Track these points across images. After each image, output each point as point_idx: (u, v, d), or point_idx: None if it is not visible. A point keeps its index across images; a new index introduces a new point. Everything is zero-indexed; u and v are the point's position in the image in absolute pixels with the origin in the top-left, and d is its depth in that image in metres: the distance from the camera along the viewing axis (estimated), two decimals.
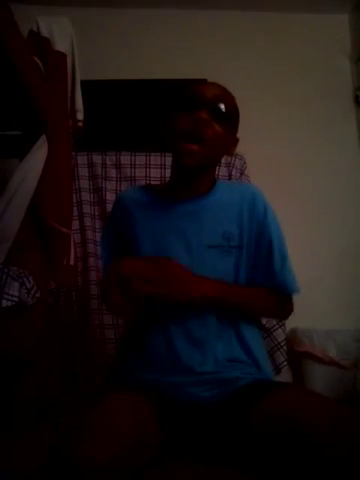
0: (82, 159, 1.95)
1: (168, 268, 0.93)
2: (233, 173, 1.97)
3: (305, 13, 2.32)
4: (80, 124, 1.67)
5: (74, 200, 1.84)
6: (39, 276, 1.35)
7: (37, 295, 1.24)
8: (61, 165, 1.55)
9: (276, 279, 1.02)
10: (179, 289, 0.92)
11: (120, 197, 1.17)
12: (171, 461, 0.85)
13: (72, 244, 1.62)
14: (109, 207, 1.90)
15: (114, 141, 2.08)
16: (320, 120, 2.26)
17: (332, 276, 2.12)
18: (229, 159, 1.93)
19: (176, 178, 1.08)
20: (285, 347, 1.87)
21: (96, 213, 1.95)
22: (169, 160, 1.98)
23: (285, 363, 1.85)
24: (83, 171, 1.95)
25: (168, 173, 1.93)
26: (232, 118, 1.03)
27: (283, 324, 1.85)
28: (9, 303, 1.16)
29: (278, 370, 1.84)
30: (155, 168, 1.96)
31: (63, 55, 1.57)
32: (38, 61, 1.50)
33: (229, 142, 1.06)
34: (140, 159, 1.97)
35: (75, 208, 1.86)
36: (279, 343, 1.85)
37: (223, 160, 1.91)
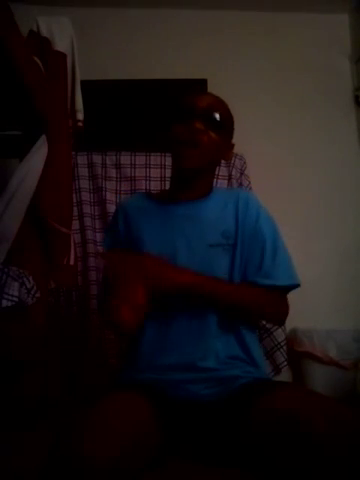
0: (82, 159, 1.95)
1: (144, 261, 0.96)
2: (233, 173, 1.97)
3: (305, 13, 2.32)
4: (80, 124, 1.67)
5: (74, 200, 1.84)
6: (39, 276, 1.35)
7: (37, 295, 1.24)
8: (61, 165, 1.55)
9: (263, 271, 1.03)
10: (159, 279, 0.94)
11: (121, 205, 1.21)
12: (171, 461, 0.85)
13: (72, 244, 1.61)
14: (109, 207, 1.90)
15: (114, 141, 2.08)
16: (320, 120, 2.26)
17: (332, 276, 2.12)
18: None
19: (176, 182, 1.14)
20: (285, 347, 1.87)
21: (96, 213, 1.95)
22: (169, 160, 1.98)
23: (285, 363, 1.85)
24: (83, 171, 1.95)
25: (168, 173, 1.95)
26: (226, 125, 1.08)
27: (283, 324, 1.85)
28: (9, 303, 1.15)
29: (278, 370, 1.84)
30: (155, 168, 1.96)
31: (63, 55, 1.57)
32: (38, 61, 1.50)
33: (224, 147, 1.11)
34: (140, 159, 1.97)
35: (75, 208, 1.86)
36: (279, 343, 1.85)
37: (223, 160, 1.92)
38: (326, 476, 0.68)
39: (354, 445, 0.69)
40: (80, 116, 1.66)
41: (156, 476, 0.80)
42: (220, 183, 1.88)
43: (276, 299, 1.06)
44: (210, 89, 2.12)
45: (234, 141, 1.14)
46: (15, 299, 1.17)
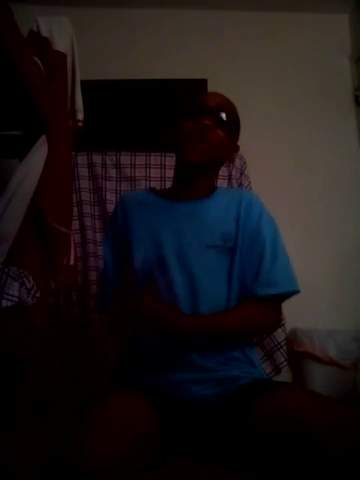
0: (82, 159, 1.95)
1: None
2: (233, 173, 1.97)
3: (305, 13, 2.32)
4: (80, 124, 1.67)
5: (74, 200, 1.84)
6: (39, 276, 1.35)
7: (37, 295, 1.24)
8: (61, 165, 1.55)
9: (262, 278, 1.01)
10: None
11: (122, 197, 1.22)
12: (171, 461, 0.85)
13: (72, 244, 1.61)
14: (109, 207, 1.90)
15: (114, 141, 2.08)
16: (320, 120, 2.26)
17: (332, 276, 2.12)
18: None
19: (179, 180, 1.13)
20: (285, 347, 1.87)
21: (96, 213, 1.95)
22: (169, 160, 1.99)
23: (285, 363, 1.85)
24: (83, 171, 1.95)
25: (168, 173, 1.96)
26: (233, 126, 1.10)
27: (283, 324, 1.85)
28: (9, 303, 1.15)
29: (278, 370, 1.84)
30: (155, 168, 1.96)
31: (63, 55, 1.57)
32: (38, 61, 1.50)
33: (229, 148, 1.10)
34: (140, 159, 1.97)
35: (75, 208, 1.86)
36: (279, 343, 1.85)
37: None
38: (326, 476, 0.68)
39: (354, 445, 0.69)
40: (80, 116, 1.66)
41: (156, 476, 0.80)
42: (220, 183, 1.88)
43: (270, 312, 1.04)
44: (210, 89, 2.13)
45: None
46: (15, 299, 1.17)
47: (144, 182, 1.95)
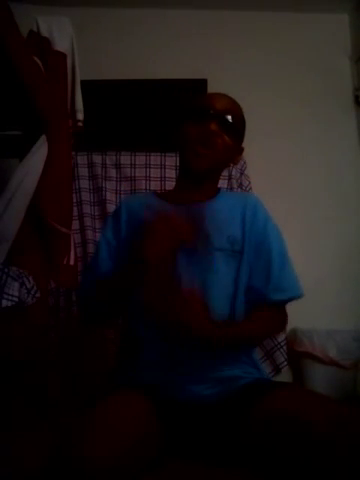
0: (82, 159, 1.95)
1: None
2: (233, 173, 1.97)
3: (305, 13, 2.32)
4: (80, 124, 1.67)
5: (74, 200, 1.84)
6: (39, 276, 1.35)
7: (37, 295, 1.24)
8: (61, 165, 1.55)
9: (273, 283, 1.02)
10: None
11: (126, 201, 1.18)
12: (171, 461, 0.85)
13: (72, 244, 1.62)
14: (109, 207, 1.90)
15: (114, 141, 2.08)
16: (320, 120, 2.25)
17: (332, 276, 2.12)
18: None
19: (182, 183, 1.12)
20: (285, 347, 1.87)
21: (96, 213, 1.95)
22: (169, 160, 1.99)
23: (285, 363, 1.85)
24: (83, 171, 1.95)
25: (168, 173, 1.96)
26: (239, 129, 1.08)
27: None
28: (9, 303, 1.16)
29: (278, 370, 1.84)
30: (155, 168, 1.96)
31: (63, 55, 1.57)
32: (38, 61, 1.50)
33: (235, 151, 1.10)
34: (140, 159, 1.97)
35: (75, 208, 1.86)
36: (279, 343, 1.85)
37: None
38: (326, 476, 0.68)
39: (354, 445, 0.69)
40: (80, 116, 1.66)
41: (156, 476, 0.80)
42: (220, 183, 1.87)
43: (281, 316, 1.06)
44: (210, 89, 2.13)
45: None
46: (15, 299, 1.17)
47: (144, 182, 1.95)
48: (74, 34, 1.63)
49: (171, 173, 1.95)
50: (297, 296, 1.05)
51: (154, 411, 0.87)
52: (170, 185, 1.84)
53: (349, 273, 2.13)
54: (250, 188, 2.00)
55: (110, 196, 1.94)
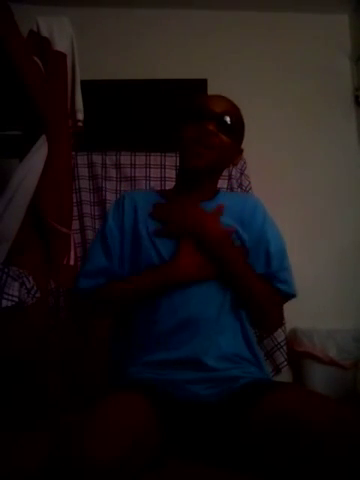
0: (82, 159, 1.95)
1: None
2: (233, 173, 1.97)
3: (305, 13, 2.32)
4: (80, 124, 1.67)
5: (74, 200, 1.84)
6: (39, 276, 1.35)
7: (37, 295, 1.24)
8: (61, 165, 1.55)
9: (273, 281, 1.04)
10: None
11: (130, 194, 1.17)
12: (171, 461, 0.85)
13: (72, 244, 1.62)
14: (109, 207, 1.90)
15: (114, 141, 2.08)
16: (320, 120, 2.26)
17: (332, 276, 2.12)
18: None
19: (181, 183, 1.12)
20: (285, 347, 1.87)
21: (96, 213, 1.95)
22: (169, 160, 1.99)
23: (285, 363, 1.85)
24: (83, 171, 1.95)
25: (168, 173, 1.96)
26: (237, 130, 1.08)
27: (283, 324, 1.85)
28: (9, 303, 1.16)
29: (278, 370, 1.84)
30: (155, 168, 1.96)
31: (63, 55, 1.57)
32: (38, 61, 1.50)
33: (234, 152, 1.10)
34: (140, 159, 1.97)
35: (75, 208, 1.86)
36: (279, 343, 1.85)
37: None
38: (326, 476, 0.68)
39: (354, 445, 0.69)
40: (80, 116, 1.66)
41: (156, 476, 0.80)
42: (220, 183, 1.87)
43: (280, 302, 1.07)
44: (210, 89, 2.13)
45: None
46: (15, 299, 1.17)
47: (144, 182, 1.95)
48: (74, 34, 1.63)
49: (171, 173, 1.95)
50: (292, 294, 1.06)
51: (154, 411, 0.86)
52: (170, 185, 1.84)
53: (349, 273, 2.13)
54: (250, 188, 2.00)
55: (110, 196, 1.94)
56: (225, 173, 1.94)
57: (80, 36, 1.68)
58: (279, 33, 2.32)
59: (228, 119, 1.04)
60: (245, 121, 1.11)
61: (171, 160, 1.96)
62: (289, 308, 1.11)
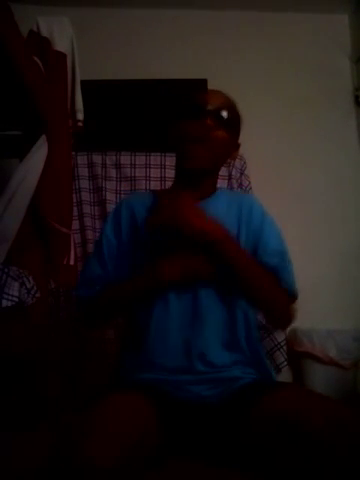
0: (82, 159, 1.95)
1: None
2: (233, 173, 1.97)
3: (305, 13, 2.32)
4: (80, 124, 1.67)
5: (74, 200, 1.84)
6: (39, 276, 1.35)
7: (37, 295, 1.24)
8: (61, 165, 1.55)
9: (290, 277, 1.04)
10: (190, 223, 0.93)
11: (127, 201, 1.17)
12: (171, 461, 0.85)
13: (72, 244, 1.62)
14: (109, 207, 1.90)
15: (114, 141, 2.08)
16: (320, 120, 2.26)
17: (332, 276, 2.12)
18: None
19: (180, 182, 1.11)
20: (285, 347, 1.87)
21: (96, 213, 1.95)
22: (169, 160, 1.99)
23: (285, 363, 1.84)
24: (83, 171, 1.95)
25: (168, 173, 1.95)
26: (234, 124, 1.07)
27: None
28: (9, 303, 1.16)
29: (278, 370, 1.84)
30: (155, 168, 1.96)
31: (63, 55, 1.58)
32: (38, 61, 1.50)
33: (231, 147, 1.09)
34: (140, 159, 1.97)
35: (75, 208, 1.86)
36: (279, 343, 1.85)
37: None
38: (326, 476, 0.68)
39: (354, 445, 0.69)
40: (80, 116, 1.66)
41: (156, 476, 0.80)
42: (220, 183, 1.87)
43: (285, 295, 1.04)
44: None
45: None
46: (15, 299, 1.17)
47: (144, 182, 1.95)
48: (74, 34, 1.63)
49: (171, 173, 1.95)
50: (293, 292, 1.05)
51: (154, 411, 0.86)
52: (170, 185, 1.84)
53: (349, 273, 2.13)
54: (250, 188, 2.00)
55: (110, 196, 1.94)
56: (225, 173, 1.94)
57: (80, 36, 1.68)
58: (279, 33, 2.31)
59: (225, 114, 1.03)
60: (245, 121, 1.10)
61: (171, 160, 1.96)
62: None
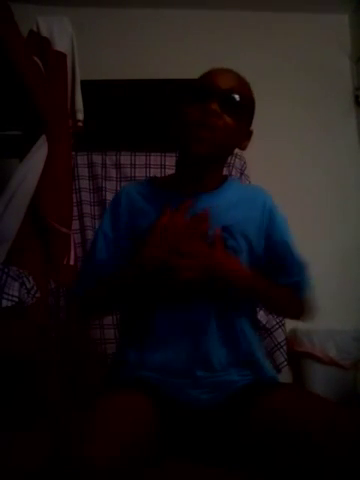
0: (82, 159, 1.95)
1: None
2: (233, 173, 1.97)
3: (305, 13, 2.32)
4: (80, 124, 1.67)
5: (74, 200, 1.84)
6: (39, 276, 1.35)
7: (37, 295, 1.24)
8: (61, 165, 1.55)
9: (296, 278, 1.07)
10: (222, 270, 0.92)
11: (125, 189, 1.11)
12: (171, 461, 0.85)
13: (72, 244, 1.62)
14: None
15: (114, 141, 2.08)
16: (320, 120, 2.26)
17: (332, 276, 2.11)
18: (229, 159, 1.93)
19: (182, 171, 1.03)
20: (285, 347, 1.87)
21: (96, 213, 1.95)
22: (169, 160, 1.99)
23: (285, 363, 1.84)
24: (83, 171, 1.95)
25: (168, 173, 1.95)
26: (245, 109, 0.99)
27: (283, 324, 1.85)
28: (9, 303, 1.16)
29: (278, 370, 1.84)
30: (155, 168, 1.96)
31: (63, 55, 1.58)
32: (38, 61, 1.50)
33: (241, 135, 1.02)
34: (140, 159, 1.97)
35: (75, 208, 1.86)
36: (279, 343, 1.85)
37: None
38: (326, 476, 0.68)
39: (352, 446, 0.69)
40: (80, 116, 1.66)
41: (156, 476, 0.80)
42: None
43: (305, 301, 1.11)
44: None
45: None
46: (15, 299, 1.17)
47: None
48: (74, 34, 1.63)
49: (171, 173, 1.95)
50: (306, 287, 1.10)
51: (154, 411, 0.86)
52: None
53: (349, 273, 2.13)
54: None
55: (110, 196, 1.93)
56: (225, 173, 1.94)
57: (80, 36, 1.68)
58: (279, 33, 2.31)
59: (235, 97, 0.94)
60: (254, 100, 1.05)
61: (171, 160, 1.96)
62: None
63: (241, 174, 1.99)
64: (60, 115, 1.56)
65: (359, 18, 2.32)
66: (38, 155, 1.45)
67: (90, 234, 1.89)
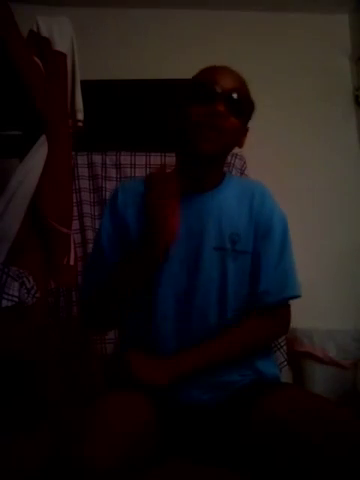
0: (82, 159, 1.95)
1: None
2: (233, 173, 1.97)
3: (305, 13, 2.32)
4: (80, 124, 1.67)
5: (74, 200, 1.84)
6: (39, 276, 1.35)
7: (37, 295, 1.24)
8: (61, 165, 1.55)
9: (273, 282, 0.99)
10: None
11: (122, 186, 1.10)
12: (171, 461, 0.85)
13: (72, 244, 1.62)
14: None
15: (114, 141, 2.08)
16: (320, 120, 2.26)
17: (332, 276, 2.12)
18: (229, 159, 1.93)
19: (183, 171, 1.01)
20: (285, 347, 1.87)
21: (96, 213, 1.95)
22: (169, 160, 1.99)
23: (285, 363, 1.84)
24: (83, 171, 1.95)
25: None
26: (247, 109, 1.01)
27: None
28: (9, 303, 1.16)
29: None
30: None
31: (63, 55, 1.57)
32: (38, 61, 1.50)
33: (241, 133, 1.03)
34: (140, 159, 1.97)
35: (75, 208, 1.86)
36: (279, 343, 1.85)
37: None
38: (326, 476, 0.68)
39: (353, 446, 0.69)
40: (80, 116, 1.66)
41: (156, 476, 0.80)
42: None
43: (275, 320, 1.02)
44: None
45: None
46: (15, 299, 1.17)
47: None
48: (74, 34, 1.62)
49: None
50: (292, 296, 1.02)
51: (154, 411, 0.86)
52: None
53: (349, 273, 2.13)
54: None
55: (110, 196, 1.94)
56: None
57: (80, 36, 1.68)
58: (279, 33, 2.32)
59: (238, 98, 0.95)
60: (252, 99, 1.06)
61: (171, 160, 1.95)
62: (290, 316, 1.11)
63: (241, 174, 1.99)
64: (60, 115, 1.56)
65: (359, 18, 2.32)
66: (38, 155, 1.45)
67: (90, 234, 1.89)
